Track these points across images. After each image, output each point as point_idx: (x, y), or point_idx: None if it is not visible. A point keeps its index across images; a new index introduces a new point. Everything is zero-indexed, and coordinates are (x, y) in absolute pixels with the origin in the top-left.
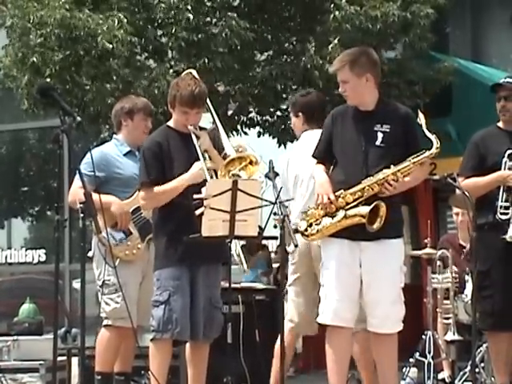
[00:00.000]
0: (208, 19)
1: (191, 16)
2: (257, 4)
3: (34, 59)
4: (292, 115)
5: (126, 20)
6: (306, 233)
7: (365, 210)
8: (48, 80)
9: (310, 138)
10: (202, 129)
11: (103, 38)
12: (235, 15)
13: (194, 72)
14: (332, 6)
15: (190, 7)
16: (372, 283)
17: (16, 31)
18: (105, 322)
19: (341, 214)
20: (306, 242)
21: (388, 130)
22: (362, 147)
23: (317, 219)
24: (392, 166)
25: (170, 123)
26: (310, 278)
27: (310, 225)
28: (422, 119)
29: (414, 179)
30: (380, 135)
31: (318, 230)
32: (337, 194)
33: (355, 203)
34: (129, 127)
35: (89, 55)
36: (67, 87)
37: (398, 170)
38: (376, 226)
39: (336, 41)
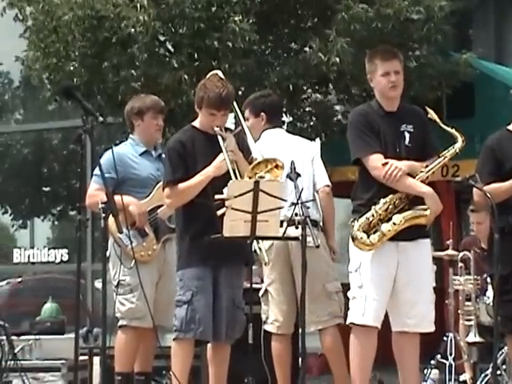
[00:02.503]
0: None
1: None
2: (265, 8)
3: (54, 60)
4: (250, 115)
5: (149, 5)
6: (368, 242)
7: (424, 211)
8: (71, 67)
9: (273, 137)
10: (227, 130)
11: (127, 23)
12: (236, 19)
13: (220, 73)
14: (340, 6)
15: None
16: (411, 283)
17: (36, 24)
18: (120, 323)
19: (398, 217)
20: None
21: (412, 130)
22: (396, 148)
23: (372, 227)
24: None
25: (196, 123)
26: (288, 274)
27: (368, 235)
28: (433, 115)
29: None
30: (407, 135)
31: (379, 238)
32: (386, 199)
33: (402, 206)
34: (140, 127)
35: (112, 41)
36: (89, 76)
37: (436, 168)
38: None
39: (334, 33)
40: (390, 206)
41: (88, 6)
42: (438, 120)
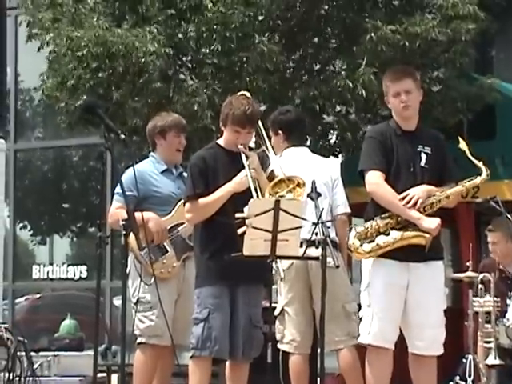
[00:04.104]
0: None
1: (219, 46)
2: (292, 26)
3: (72, 82)
4: (271, 133)
5: (159, 32)
6: (359, 250)
7: (425, 232)
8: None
9: (294, 156)
10: (251, 149)
11: (137, 53)
12: (264, 39)
13: (248, 94)
14: (369, 26)
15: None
16: (421, 305)
17: (56, 55)
18: (139, 340)
19: (396, 233)
20: None
21: (429, 152)
22: (411, 168)
23: (368, 237)
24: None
25: (220, 141)
26: (307, 294)
27: (361, 243)
28: (464, 146)
29: None
30: (424, 156)
31: (372, 249)
32: (390, 213)
33: (406, 223)
34: (163, 146)
35: (127, 72)
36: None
37: (452, 193)
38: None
39: (364, 63)
40: (392, 221)
41: (101, 42)
42: (467, 151)
